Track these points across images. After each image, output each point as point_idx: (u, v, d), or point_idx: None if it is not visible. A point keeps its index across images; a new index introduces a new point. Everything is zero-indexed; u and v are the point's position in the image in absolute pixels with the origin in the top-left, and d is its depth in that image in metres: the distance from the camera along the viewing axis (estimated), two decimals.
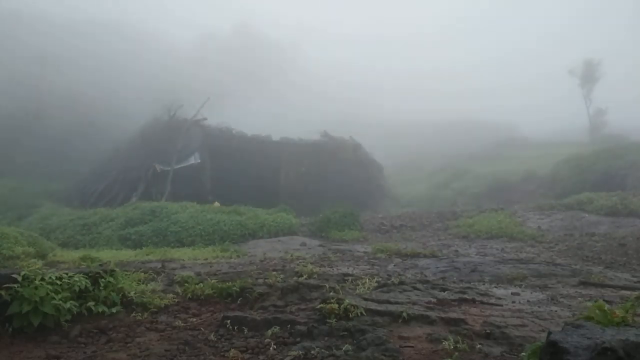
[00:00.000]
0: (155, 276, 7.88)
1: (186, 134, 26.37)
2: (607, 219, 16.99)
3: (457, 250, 13.21)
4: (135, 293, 6.12)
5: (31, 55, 34.96)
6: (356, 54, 66.10)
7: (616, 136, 38.01)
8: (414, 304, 5.84)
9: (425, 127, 47.68)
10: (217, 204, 21.62)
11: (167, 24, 56.71)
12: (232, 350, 4.59)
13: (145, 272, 7.76)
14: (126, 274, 6.75)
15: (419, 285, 6.98)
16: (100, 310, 5.58)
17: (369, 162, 32.60)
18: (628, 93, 53.21)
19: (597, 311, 3.50)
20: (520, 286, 8.01)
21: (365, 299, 5.91)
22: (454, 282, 8.13)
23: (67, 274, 5.65)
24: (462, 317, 5.36)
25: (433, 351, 4.43)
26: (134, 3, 58.75)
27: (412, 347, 4.54)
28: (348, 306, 5.23)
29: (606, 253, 11.90)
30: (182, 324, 5.51)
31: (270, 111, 38.32)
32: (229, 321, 5.25)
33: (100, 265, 7.58)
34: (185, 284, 6.78)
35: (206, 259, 11.95)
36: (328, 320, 5.04)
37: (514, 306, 6.29)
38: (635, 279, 8.81)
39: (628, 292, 7.18)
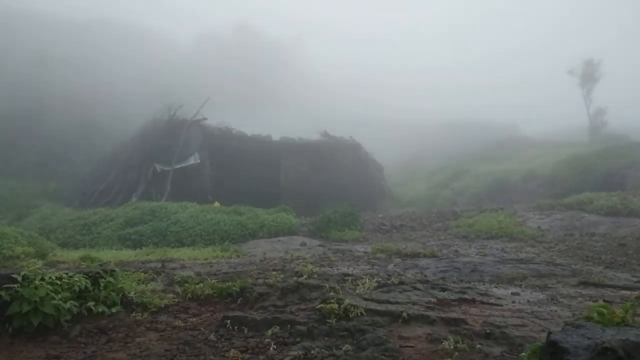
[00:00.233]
0: (155, 276, 7.88)
1: (186, 134, 26.38)
2: (607, 218, 16.96)
3: (457, 250, 13.19)
4: (135, 293, 6.12)
5: (31, 55, 34.92)
6: (356, 54, 66.30)
7: (616, 136, 37.92)
8: (414, 304, 5.84)
9: (426, 127, 47.59)
10: (217, 204, 21.61)
11: (168, 23, 56.81)
12: (232, 350, 4.59)
13: (145, 272, 7.75)
14: (126, 274, 6.75)
15: (419, 285, 6.98)
16: (100, 310, 5.58)
17: (369, 162, 32.55)
18: (628, 93, 53.32)
19: (597, 311, 3.50)
20: (520, 286, 8.01)
21: (365, 299, 5.91)
22: (454, 282, 8.13)
23: (67, 274, 5.65)
24: (462, 317, 5.36)
25: (433, 351, 4.43)
26: (134, 3, 58.83)
27: (412, 347, 4.54)
28: (348, 306, 5.23)
29: (606, 253, 11.89)
30: (182, 324, 5.51)
31: (270, 111, 38.28)
32: (229, 321, 5.25)
33: (100, 265, 7.59)
34: (185, 284, 6.78)
35: (206, 259, 11.94)
36: (328, 320, 5.04)
37: (514, 306, 6.28)
38: (635, 279, 8.80)
39: (628, 292, 7.19)
